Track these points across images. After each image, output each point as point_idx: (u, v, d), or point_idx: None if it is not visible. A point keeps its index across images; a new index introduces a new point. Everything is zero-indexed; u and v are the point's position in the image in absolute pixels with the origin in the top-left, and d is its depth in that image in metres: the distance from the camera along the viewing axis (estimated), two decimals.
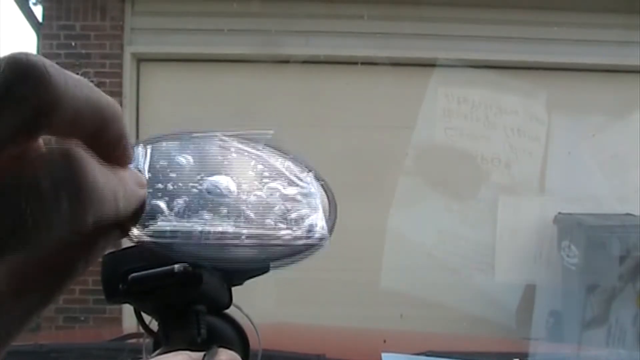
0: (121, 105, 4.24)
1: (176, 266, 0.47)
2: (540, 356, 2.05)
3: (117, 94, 4.87)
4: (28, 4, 4.99)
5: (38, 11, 5.01)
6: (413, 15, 4.98)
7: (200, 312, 0.50)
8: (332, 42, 4.93)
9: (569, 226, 4.45)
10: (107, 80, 4.88)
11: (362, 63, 4.91)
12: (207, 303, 0.51)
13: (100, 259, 0.55)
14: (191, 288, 0.47)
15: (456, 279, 4.58)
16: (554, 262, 4.53)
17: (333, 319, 4.02)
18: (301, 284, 4.52)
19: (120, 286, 0.49)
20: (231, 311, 0.57)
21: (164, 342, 0.51)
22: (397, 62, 4.89)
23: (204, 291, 0.48)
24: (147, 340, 0.56)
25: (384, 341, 1.80)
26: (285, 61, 4.90)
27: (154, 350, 0.52)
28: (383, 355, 1.56)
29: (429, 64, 4.66)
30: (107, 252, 0.56)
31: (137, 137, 3.91)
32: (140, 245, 0.54)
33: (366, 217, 4.61)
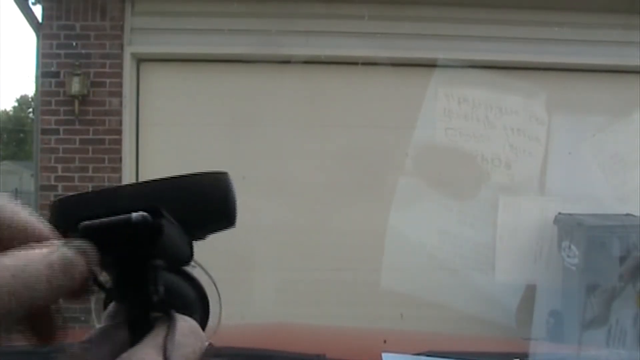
0: (121, 105, 4.24)
1: (134, 215, 0.42)
2: (540, 356, 2.04)
3: (117, 94, 4.87)
4: (28, 4, 4.98)
5: (38, 11, 5.01)
6: (413, 15, 4.98)
7: (159, 267, 0.44)
8: (332, 42, 4.93)
9: (569, 226, 4.45)
10: (107, 80, 4.88)
11: (363, 63, 4.91)
12: (167, 257, 0.45)
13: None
14: (150, 240, 0.42)
15: (456, 279, 4.59)
16: (554, 262, 4.53)
17: (333, 319, 4.02)
18: (301, 284, 4.52)
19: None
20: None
21: (117, 299, 0.46)
22: (398, 62, 4.89)
23: (163, 244, 0.43)
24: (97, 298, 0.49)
25: (384, 341, 1.80)
26: (285, 61, 4.90)
27: (104, 308, 0.47)
28: (383, 355, 1.56)
29: (430, 64, 4.66)
30: (59, 196, 0.51)
31: (137, 137, 3.90)
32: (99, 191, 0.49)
33: (366, 217, 4.61)
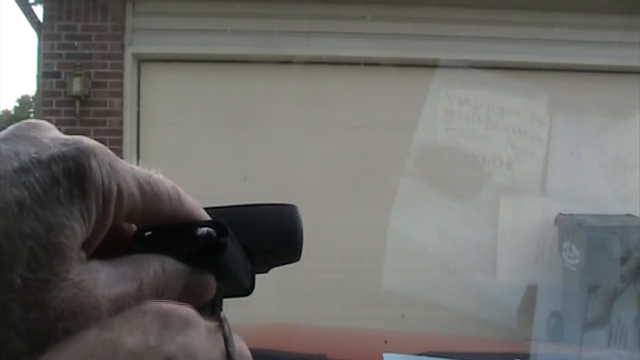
0: (122, 105, 4.23)
1: (199, 229, 0.41)
2: (541, 357, 2.05)
3: (117, 94, 4.87)
4: (29, 4, 4.99)
5: (39, 11, 5.02)
6: (415, 16, 4.98)
7: (220, 290, 0.44)
8: (334, 43, 4.93)
9: (570, 227, 4.45)
10: (108, 81, 4.88)
11: (365, 64, 4.92)
12: (228, 280, 0.45)
13: None
14: (212, 257, 0.41)
15: (457, 280, 4.58)
16: (555, 263, 4.53)
17: (334, 320, 4.02)
18: (303, 284, 4.51)
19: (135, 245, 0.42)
20: None
21: None
22: (400, 63, 4.89)
23: (226, 265, 0.43)
24: None
25: (385, 341, 1.80)
26: (287, 62, 4.90)
27: None
28: (384, 355, 1.56)
29: (431, 65, 4.66)
30: None
31: (138, 137, 3.89)
32: None
33: (368, 218, 4.61)
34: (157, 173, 0.39)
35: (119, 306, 0.35)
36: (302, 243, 0.51)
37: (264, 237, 0.49)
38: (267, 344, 1.71)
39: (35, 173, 0.33)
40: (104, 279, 0.35)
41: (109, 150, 0.36)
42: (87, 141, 0.35)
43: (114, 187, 0.35)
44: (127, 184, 0.36)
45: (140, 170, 0.38)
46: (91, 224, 0.34)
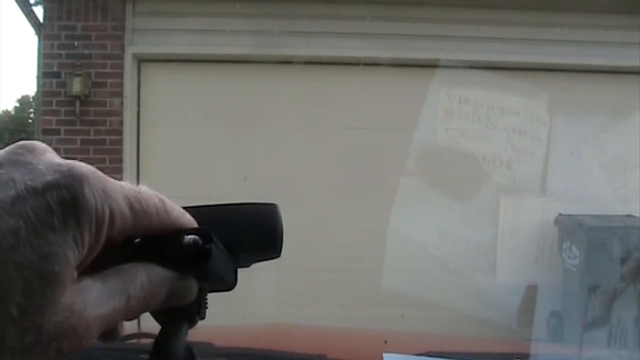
0: (122, 105, 4.23)
1: (185, 237, 0.43)
2: (541, 357, 2.05)
3: (117, 94, 4.87)
4: (29, 4, 4.99)
5: (39, 11, 5.02)
6: (415, 16, 4.98)
7: (204, 290, 0.47)
8: (334, 43, 4.93)
9: (570, 227, 4.45)
10: (108, 81, 4.88)
11: (364, 64, 4.92)
12: (212, 281, 0.47)
13: None
14: (198, 263, 0.43)
15: (457, 280, 4.58)
16: (555, 263, 4.53)
17: (334, 320, 4.02)
18: (303, 284, 4.52)
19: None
20: None
21: (160, 318, 0.47)
22: (399, 63, 4.89)
23: (210, 268, 0.45)
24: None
25: (385, 342, 1.80)
26: (287, 62, 4.90)
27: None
28: (384, 355, 1.56)
29: (431, 65, 4.66)
30: None
31: (138, 137, 3.89)
32: None
33: (368, 218, 4.61)
34: (144, 185, 0.41)
35: (109, 321, 0.37)
36: (282, 240, 0.52)
37: (245, 235, 0.51)
38: (267, 344, 1.71)
39: (30, 202, 0.34)
40: (93, 299, 0.36)
41: (101, 174, 0.37)
42: (80, 167, 0.36)
43: (107, 211, 0.36)
44: (119, 205, 0.37)
45: (130, 188, 0.39)
46: (84, 249, 0.35)
